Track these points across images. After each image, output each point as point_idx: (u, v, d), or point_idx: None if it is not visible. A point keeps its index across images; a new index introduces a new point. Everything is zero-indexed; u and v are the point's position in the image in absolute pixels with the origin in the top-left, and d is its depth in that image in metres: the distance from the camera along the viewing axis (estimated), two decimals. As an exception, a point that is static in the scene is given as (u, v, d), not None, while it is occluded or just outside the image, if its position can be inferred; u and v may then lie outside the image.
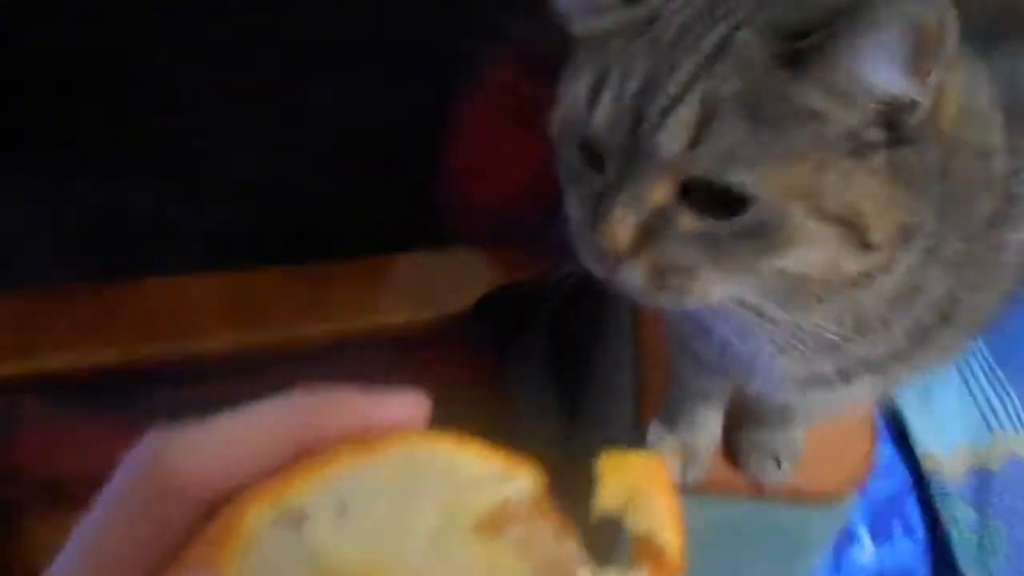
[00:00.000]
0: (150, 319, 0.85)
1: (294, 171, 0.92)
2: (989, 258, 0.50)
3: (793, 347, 0.50)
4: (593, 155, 0.45)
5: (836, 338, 0.49)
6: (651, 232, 0.43)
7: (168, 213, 0.88)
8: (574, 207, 0.47)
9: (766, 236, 0.42)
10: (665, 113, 0.41)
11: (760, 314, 0.47)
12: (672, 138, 0.41)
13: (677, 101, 0.41)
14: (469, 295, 0.87)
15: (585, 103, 0.45)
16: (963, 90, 0.45)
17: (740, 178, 0.41)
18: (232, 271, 0.88)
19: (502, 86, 0.92)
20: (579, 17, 0.47)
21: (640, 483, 0.27)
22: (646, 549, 0.27)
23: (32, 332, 0.82)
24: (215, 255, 0.88)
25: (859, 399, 0.59)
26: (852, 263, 0.43)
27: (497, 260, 0.92)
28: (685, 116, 0.41)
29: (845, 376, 0.52)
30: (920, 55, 0.40)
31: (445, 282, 0.89)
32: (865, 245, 0.43)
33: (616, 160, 0.44)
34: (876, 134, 0.42)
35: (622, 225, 0.43)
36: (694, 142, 0.41)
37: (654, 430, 0.82)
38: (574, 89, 0.46)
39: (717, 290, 0.45)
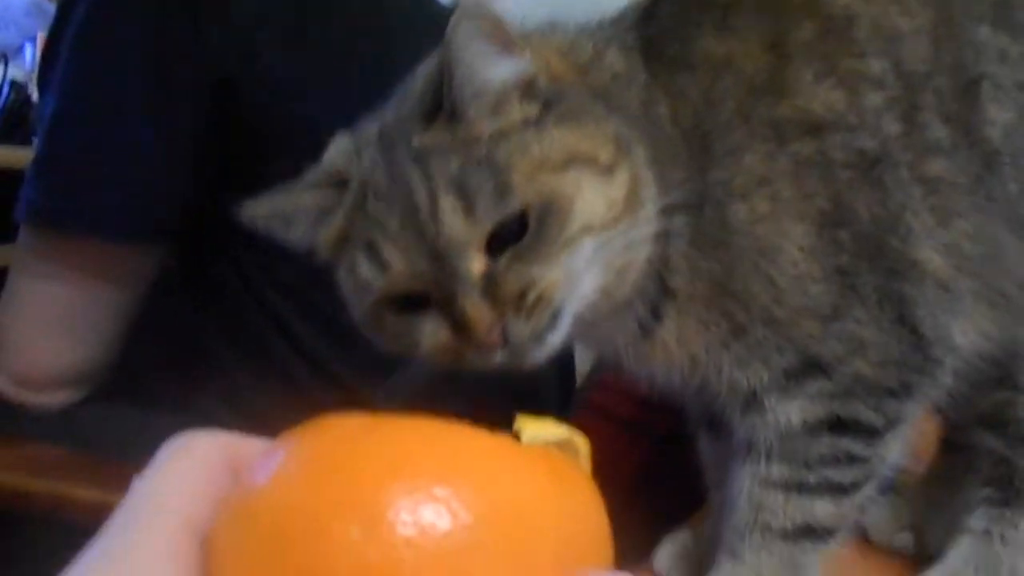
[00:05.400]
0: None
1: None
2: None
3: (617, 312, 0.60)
4: (410, 303, 0.55)
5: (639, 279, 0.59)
6: (493, 293, 0.52)
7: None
8: (430, 350, 0.55)
9: (553, 216, 0.53)
10: (435, 214, 0.52)
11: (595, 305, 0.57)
12: (453, 222, 0.52)
13: (435, 201, 0.52)
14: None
15: (376, 275, 0.54)
16: (563, 48, 0.61)
17: (510, 207, 0.52)
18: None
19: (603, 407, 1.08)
20: (317, 238, 0.57)
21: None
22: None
23: None
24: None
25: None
26: (613, 190, 0.55)
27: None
28: (449, 202, 0.52)
29: (656, 315, 0.61)
30: (500, 42, 0.54)
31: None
32: (607, 170, 0.55)
33: (429, 278, 0.53)
34: (533, 108, 0.55)
35: (477, 309, 0.52)
36: (469, 212, 0.52)
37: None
38: (357, 280, 0.55)
39: (563, 284, 0.53)
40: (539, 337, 0.53)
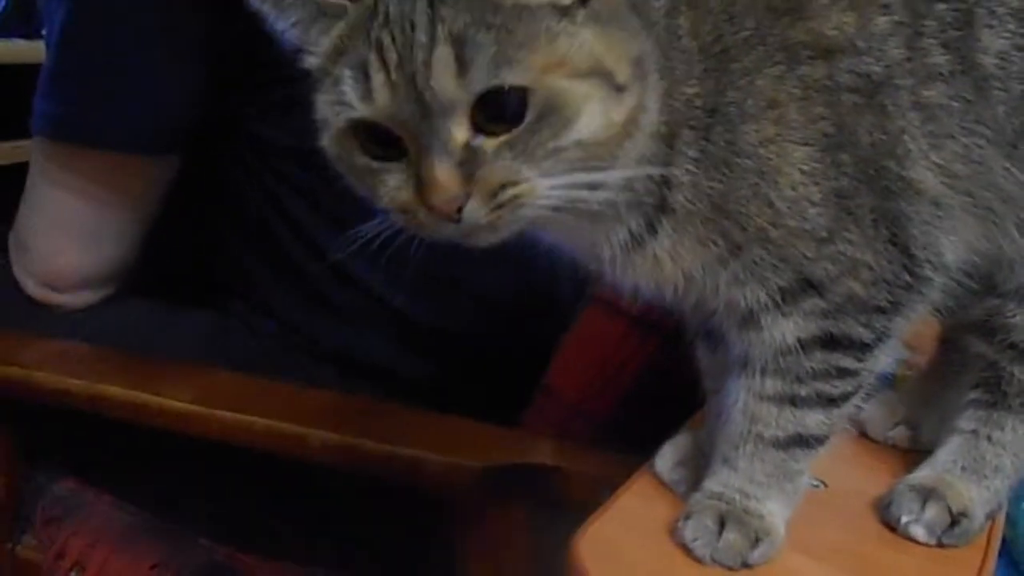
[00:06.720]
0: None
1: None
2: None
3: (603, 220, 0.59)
4: (383, 141, 0.52)
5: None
6: (469, 167, 0.51)
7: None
8: (388, 204, 0.54)
9: (554, 116, 0.51)
10: (427, 62, 0.49)
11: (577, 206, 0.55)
12: (443, 76, 0.49)
13: (432, 47, 0.49)
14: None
15: (359, 98, 0.51)
16: None
17: (508, 78, 0.50)
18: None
19: (612, 303, 1.05)
20: (310, 38, 0.55)
21: None
22: None
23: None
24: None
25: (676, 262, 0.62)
26: (618, 111, 0.53)
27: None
28: (444, 54, 0.49)
29: (651, 229, 0.60)
30: None
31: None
32: (619, 88, 0.53)
33: (411, 126, 0.51)
34: None
35: (446, 174, 0.50)
36: (462, 71, 0.49)
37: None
38: (339, 96, 0.52)
39: (541, 189, 0.52)
40: (493, 229, 0.53)
